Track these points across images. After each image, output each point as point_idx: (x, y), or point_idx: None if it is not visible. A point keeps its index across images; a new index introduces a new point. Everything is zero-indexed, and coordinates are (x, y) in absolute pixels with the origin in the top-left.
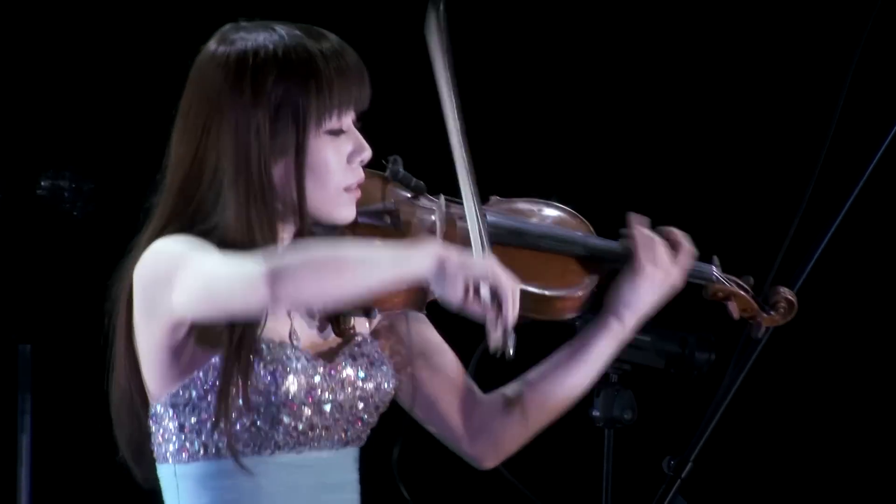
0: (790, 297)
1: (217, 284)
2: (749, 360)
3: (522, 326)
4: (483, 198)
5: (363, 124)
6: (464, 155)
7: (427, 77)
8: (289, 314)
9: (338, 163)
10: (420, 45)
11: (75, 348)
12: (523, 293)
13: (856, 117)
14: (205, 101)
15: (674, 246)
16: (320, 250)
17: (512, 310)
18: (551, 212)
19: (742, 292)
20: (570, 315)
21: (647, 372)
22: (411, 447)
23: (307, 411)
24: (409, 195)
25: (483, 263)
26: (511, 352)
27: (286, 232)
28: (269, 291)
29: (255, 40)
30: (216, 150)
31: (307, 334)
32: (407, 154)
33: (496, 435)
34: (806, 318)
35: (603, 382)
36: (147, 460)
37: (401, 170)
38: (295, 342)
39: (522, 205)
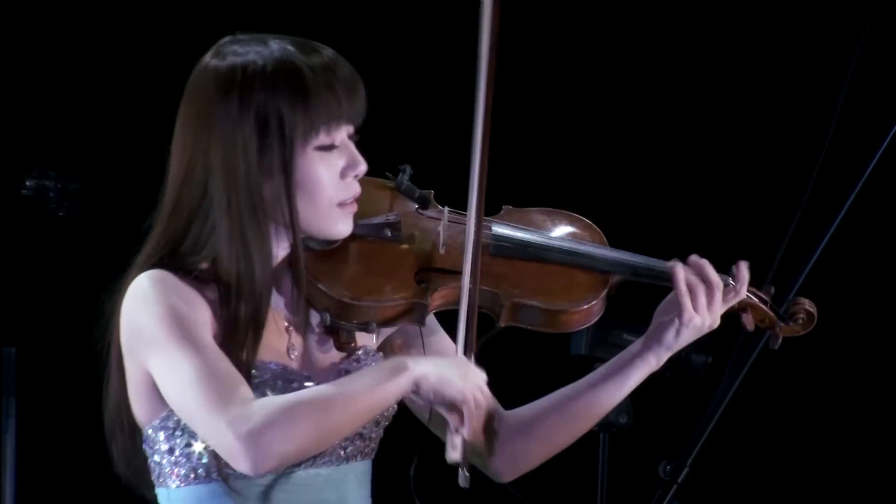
0: (810, 309)
1: (195, 419)
2: (747, 363)
3: (522, 333)
4: (496, 207)
5: (375, 132)
6: (476, 203)
7: (442, 86)
8: (286, 329)
9: (330, 178)
10: (437, 51)
11: (61, 351)
12: (528, 307)
13: (855, 117)
14: (196, 116)
15: (725, 291)
16: (294, 400)
17: (471, 426)
18: (562, 221)
19: (759, 303)
20: (577, 328)
21: None
22: (428, 461)
23: None
24: (414, 206)
25: (457, 383)
26: (463, 480)
27: (280, 249)
28: (250, 463)
29: (246, 55)
30: (206, 168)
31: (306, 348)
32: (423, 164)
33: (517, 452)
34: None
35: None
36: (142, 477)
37: (405, 181)
38: (293, 356)
39: (534, 214)
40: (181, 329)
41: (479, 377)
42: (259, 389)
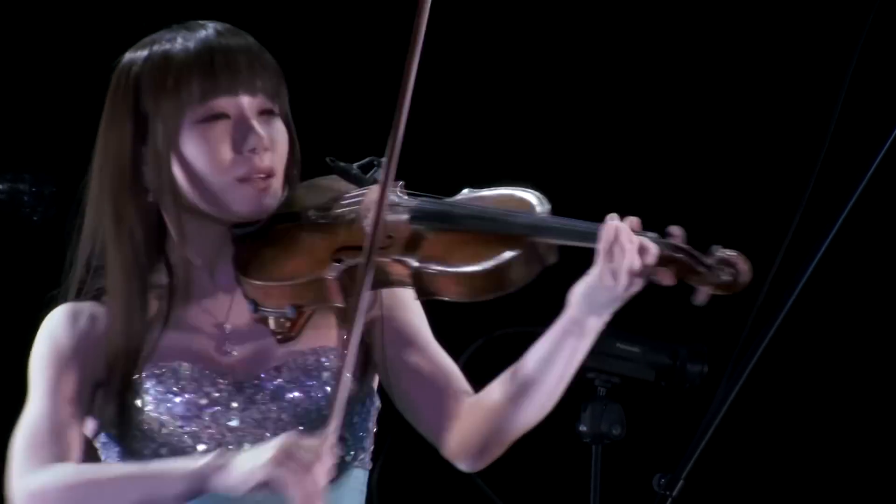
0: (737, 260)
1: (10, 465)
2: (744, 373)
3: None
4: (455, 190)
5: (366, 124)
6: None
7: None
8: (220, 325)
9: (221, 153)
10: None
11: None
12: (436, 274)
13: (858, 111)
14: (102, 120)
15: (641, 252)
16: (76, 479)
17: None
18: (508, 196)
19: (679, 255)
20: (497, 294)
21: (636, 385)
22: (393, 468)
23: (210, 447)
24: (351, 187)
25: (259, 468)
26: None
27: (192, 246)
28: None
29: (139, 49)
30: (98, 175)
31: (245, 346)
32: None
33: (475, 437)
34: (802, 329)
35: (590, 396)
36: None
37: (340, 162)
38: (232, 353)
39: (488, 193)
40: (48, 373)
41: (306, 450)
42: (161, 396)
